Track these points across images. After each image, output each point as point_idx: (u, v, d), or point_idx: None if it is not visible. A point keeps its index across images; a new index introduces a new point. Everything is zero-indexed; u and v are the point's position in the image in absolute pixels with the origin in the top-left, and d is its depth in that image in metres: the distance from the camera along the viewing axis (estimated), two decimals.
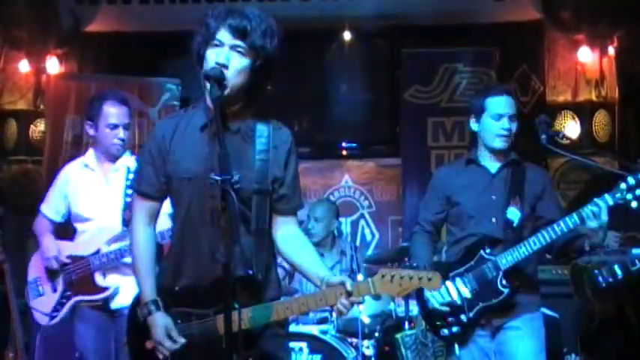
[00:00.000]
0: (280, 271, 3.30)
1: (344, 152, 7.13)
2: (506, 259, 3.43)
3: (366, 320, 4.82)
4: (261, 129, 2.61)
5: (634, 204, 3.33)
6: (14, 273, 4.11)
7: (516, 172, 3.61)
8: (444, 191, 3.69)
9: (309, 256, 2.64)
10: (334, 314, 4.63)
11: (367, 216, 6.94)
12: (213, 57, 2.48)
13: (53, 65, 6.49)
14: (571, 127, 6.44)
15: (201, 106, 2.63)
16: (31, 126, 6.62)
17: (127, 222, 3.62)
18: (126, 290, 3.62)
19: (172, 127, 2.64)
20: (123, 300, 3.64)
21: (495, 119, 3.55)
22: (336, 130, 7.12)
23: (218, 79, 2.44)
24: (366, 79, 7.07)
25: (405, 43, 6.74)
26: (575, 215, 3.35)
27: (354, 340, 4.69)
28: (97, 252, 3.77)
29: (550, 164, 6.24)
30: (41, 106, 6.55)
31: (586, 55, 6.40)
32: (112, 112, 3.81)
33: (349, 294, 2.45)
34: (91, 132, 3.88)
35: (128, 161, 3.89)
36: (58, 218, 3.96)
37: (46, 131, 6.41)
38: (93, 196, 3.85)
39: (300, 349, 4.52)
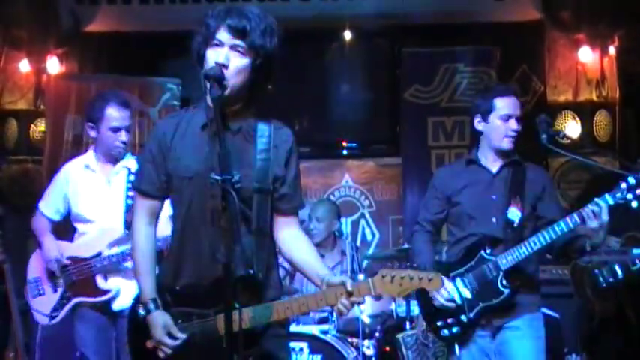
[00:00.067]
0: (281, 270, 3.30)
1: (344, 152, 7.13)
2: (507, 259, 3.43)
3: (367, 320, 4.82)
4: (262, 128, 2.61)
5: (634, 204, 3.33)
6: (14, 273, 4.10)
7: (517, 172, 3.60)
8: (444, 191, 3.69)
9: (310, 256, 2.64)
10: (335, 314, 4.64)
11: (368, 216, 6.93)
12: (213, 57, 2.48)
13: (53, 65, 6.49)
14: (571, 127, 6.44)
15: (203, 105, 2.62)
16: (32, 126, 6.62)
17: (129, 225, 3.58)
18: (127, 292, 3.59)
19: (173, 126, 2.64)
20: (124, 301, 3.63)
21: (504, 120, 3.54)
22: (337, 130, 7.12)
23: (218, 79, 2.44)
24: (366, 78, 7.07)
25: (406, 42, 6.74)
26: (575, 215, 3.35)
27: (355, 340, 4.69)
28: (99, 254, 3.76)
29: (550, 164, 6.25)
30: (42, 106, 6.55)
31: (586, 54, 6.39)
32: (115, 116, 3.77)
33: (350, 294, 2.45)
34: (93, 134, 3.84)
35: (129, 163, 3.87)
36: (57, 217, 3.95)
37: (47, 131, 6.41)
38: (94, 197, 3.84)
39: (301, 349, 4.52)
